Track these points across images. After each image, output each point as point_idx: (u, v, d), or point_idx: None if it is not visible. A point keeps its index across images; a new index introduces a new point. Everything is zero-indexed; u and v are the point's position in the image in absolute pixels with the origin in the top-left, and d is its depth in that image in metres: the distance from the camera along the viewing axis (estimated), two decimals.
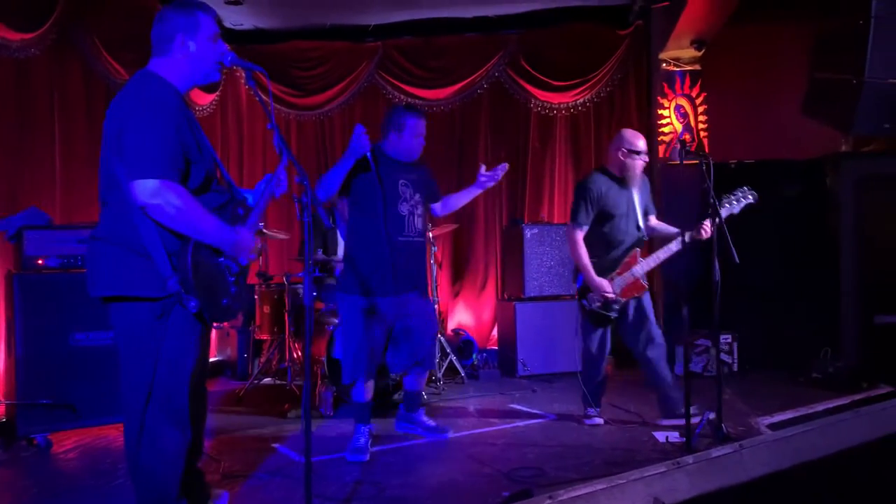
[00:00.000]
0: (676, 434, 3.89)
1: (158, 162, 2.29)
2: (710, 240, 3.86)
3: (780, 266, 5.98)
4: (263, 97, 2.58)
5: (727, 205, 4.03)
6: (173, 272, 2.33)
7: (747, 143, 6.48)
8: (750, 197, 4.05)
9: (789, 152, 6.10)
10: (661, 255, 4.12)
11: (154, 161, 2.28)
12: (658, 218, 4.44)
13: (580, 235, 4.14)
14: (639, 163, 4.18)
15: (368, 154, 3.72)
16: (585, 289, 4.17)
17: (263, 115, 7.34)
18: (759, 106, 6.57)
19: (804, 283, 5.92)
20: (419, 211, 3.93)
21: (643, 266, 4.11)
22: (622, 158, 4.17)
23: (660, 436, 3.92)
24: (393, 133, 3.89)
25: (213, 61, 2.52)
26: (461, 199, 4.18)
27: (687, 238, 3.94)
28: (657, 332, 4.17)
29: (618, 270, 4.14)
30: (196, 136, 2.47)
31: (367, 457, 3.66)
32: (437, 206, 4.21)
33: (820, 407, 4.62)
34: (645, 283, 4.12)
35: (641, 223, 4.23)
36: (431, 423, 4.15)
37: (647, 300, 4.20)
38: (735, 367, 5.85)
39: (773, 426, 4.18)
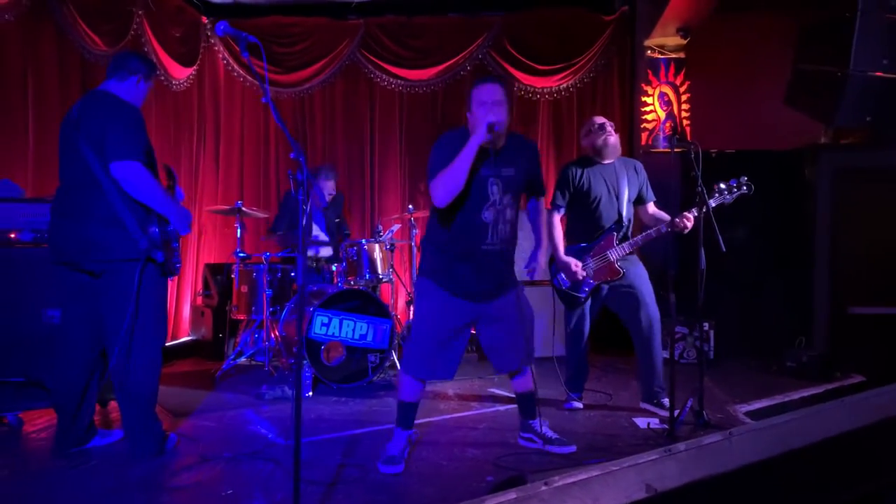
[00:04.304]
0: (657, 420, 3.92)
1: (135, 150, 3.17)
2: (695, 228, 3.87)
3: (756, 255, 6.03)
4: (259, 71, 2.53)
5: (718, 194, 4.03)
6: (143, 234, 3.19)
7: (729, 132, 6.51)
8: (745, 188, 4.03)
9: (770, 142, 6.13)
10: (638, 240, 4.10)
11: (134, 148, 3.16)
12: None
13: (556, 217, 4.24)
14: (608, 137, 4.16)
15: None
16: (557, 269, 4.20)
17: (241, 90, 7.23)
18: (741, 95, 6.59)
19: (780, 273, 5.99)
20: (508, 216, 3.25)
21: (618, 251, 4.10)
22: (591, 139, 4.20)
23: (640, 422, 3.93)
24: (468, 112, 3.21)
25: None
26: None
27: (664, 227, 3.95)
28: (648, 315, 4.10)
29: (591, 253, 4.15)
30: (149, 143, 3.37)
31: (403, 467, 3.17)
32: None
33: (795, 395, 4.71)
34: (620, 269, 4.09)
35: (625, 209, 4.19)
36: (552, 433, 3.51)
37: (638, 281, 4.12)
38: (711, 355, 5.89)
39: (750, 414, 4.24)
